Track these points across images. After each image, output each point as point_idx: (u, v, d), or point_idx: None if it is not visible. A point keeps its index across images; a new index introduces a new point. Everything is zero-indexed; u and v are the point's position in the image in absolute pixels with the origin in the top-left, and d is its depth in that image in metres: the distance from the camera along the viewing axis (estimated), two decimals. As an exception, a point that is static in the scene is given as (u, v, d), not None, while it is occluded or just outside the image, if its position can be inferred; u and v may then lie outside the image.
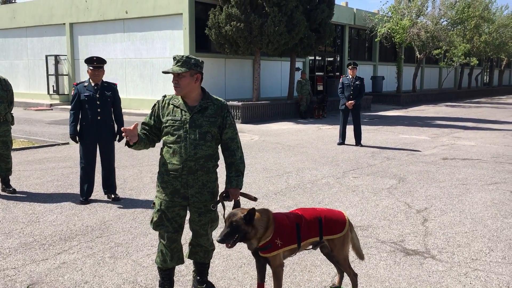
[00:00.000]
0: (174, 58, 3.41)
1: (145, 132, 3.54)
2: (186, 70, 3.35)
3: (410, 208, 6.16)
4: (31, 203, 6.28)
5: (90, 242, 4.90)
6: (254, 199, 3.58)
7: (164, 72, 3.45)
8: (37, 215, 5.76)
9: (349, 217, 3.67)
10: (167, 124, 3.45)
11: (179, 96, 3.47)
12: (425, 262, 4.43)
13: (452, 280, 4.06)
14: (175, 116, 3.44)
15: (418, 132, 13.87)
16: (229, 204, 3.57)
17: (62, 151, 10.15)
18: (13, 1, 55.53)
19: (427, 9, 25.06)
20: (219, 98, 3.57)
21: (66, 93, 21.40)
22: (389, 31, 24.25)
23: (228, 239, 3.16)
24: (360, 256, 3.74)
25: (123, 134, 3.29)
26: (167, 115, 3.46)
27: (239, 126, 14.44)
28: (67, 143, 10.87)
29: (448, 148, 11.05)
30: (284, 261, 3.40)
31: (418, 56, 25.85)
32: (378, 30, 24.54)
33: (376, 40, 25.53)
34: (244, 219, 3.18)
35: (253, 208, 3.24)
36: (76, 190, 6.73)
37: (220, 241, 3.16)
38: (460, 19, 25.52)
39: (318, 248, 3.67)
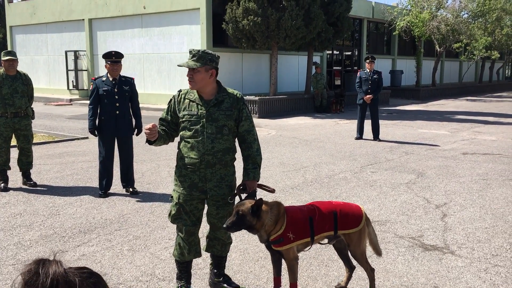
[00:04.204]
0: (191, 51, 3.40)
1: (164, 128, 3.55)
2: (201, 65, 3.33)
3: (429, 203, 6.09)
4: (52, 196, 6.38)
5: (109, 235, 4.96)
6: (272, 190, 3.57)
7: (179, 66, 3.45)
8: (57, 208, 5.85)
9: (366, 212, 3.63)
10: (183, 119, 3.45)
11: (195, 91, 3.48)
12: (444, 258, 4.38)
13: (472, 276, 4.01)
14: (191, 110, 3.44)
15: (437, 127, 13.68)
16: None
17: (82, 146, 10.28)
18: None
19: (447, 2, 24.65)
20: (234, 91, 3.57)
21: (85, 88, 21.63)
22: (408, 24, 23.92)
23: (234, 228, 3.21)
24: (378, 252, 3.67)
25: (145, 131, 3.31)
26: (183, 110, 3.47)
27: (256, 121, 14.42)
28: (87, 138, 11.00)
29: (468, 142, 10.88)
30: (299, 254, 3.39)
31: (438, 50, 25.45)
32: (397, 23, 24.23)
33: (394, 33, 25.21)
34: (251, 209, 3.20)
35: (261, 199, 3.24)
36: (95, 183, 6.81)
37: (226, 228, 3.21)
38: (481, 12, 25.05)
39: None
